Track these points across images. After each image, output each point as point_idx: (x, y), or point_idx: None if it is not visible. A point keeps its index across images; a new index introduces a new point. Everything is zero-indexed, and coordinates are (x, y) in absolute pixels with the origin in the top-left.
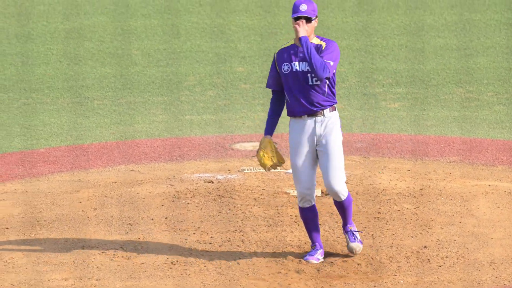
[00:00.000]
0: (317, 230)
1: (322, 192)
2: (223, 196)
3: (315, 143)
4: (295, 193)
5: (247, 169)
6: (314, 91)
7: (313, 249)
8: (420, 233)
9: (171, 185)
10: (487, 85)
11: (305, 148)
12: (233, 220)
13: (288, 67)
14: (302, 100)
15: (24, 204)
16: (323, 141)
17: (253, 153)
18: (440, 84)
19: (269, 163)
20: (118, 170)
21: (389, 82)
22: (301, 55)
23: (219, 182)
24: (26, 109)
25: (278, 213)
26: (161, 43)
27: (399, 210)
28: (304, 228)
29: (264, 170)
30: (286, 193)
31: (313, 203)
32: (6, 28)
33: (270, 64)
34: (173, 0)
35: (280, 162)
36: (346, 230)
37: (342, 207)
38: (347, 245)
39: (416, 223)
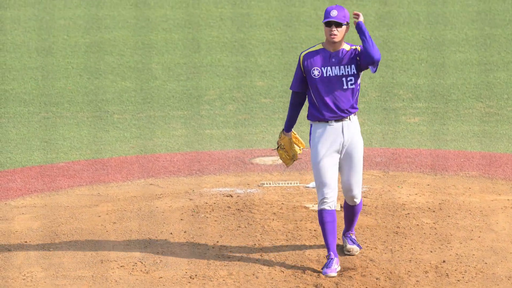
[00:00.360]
0: (334, 237)
1: (341, 207)
2: (242, 210)
3: (341, 146)
4: (315, 207)
5: (267, 183)
6: (347, 96)
7: (329, 259)
8: (439, 247)
9: (190, 199)
10: (507, 100)
11: (331, 152)
12: (252, 235)
13: (319, 72)
14: (332, 105)
15: (43, 218)
16: (348, 145)
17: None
18: (460, 99)
19: (289, 162)
20: (138, 184)
21: (409, 96)
22: (333, 60)
23: (238, 196)
24: (46, 123)
25: (297, 227)
26: (182, 57)
27: (418, 225)
28: (323, 242)
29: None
30: (305, 207)
31: (333, 207)
32: (26, 42)
33: (290, 78)
34: (193, 14)
35: (300, 149)
36: (346, 235)
37: (352, 212)
38: (345, 247)
39: (435, 237)
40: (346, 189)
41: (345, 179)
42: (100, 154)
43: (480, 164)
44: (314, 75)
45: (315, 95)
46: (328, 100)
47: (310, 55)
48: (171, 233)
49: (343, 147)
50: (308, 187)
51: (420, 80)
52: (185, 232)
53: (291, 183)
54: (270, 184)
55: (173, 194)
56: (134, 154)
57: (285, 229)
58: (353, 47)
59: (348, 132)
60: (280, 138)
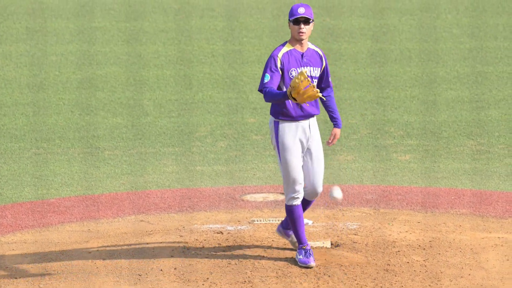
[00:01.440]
0: (303, 227)
1: (331, 244)
2: (232, 247)
3: (306, 143)
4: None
5: (257, 220)
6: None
7: (307, 250)
8: (429, 285)
9: (180, 236)
10: (498, 138)
11: (299, 148)
12: (242, 271)
13: (296, 73)
14: (303, 105)
15: (34, 254)
16: (312, 142)
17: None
18: (451, 136)
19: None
20: (128, 220)
21: (400, 134)
22: (305, 60)
23: (228, 233)
24: (37, 159)
25: (288, 264)
26: (173, 94)
27: (408, 262)
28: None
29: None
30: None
31: (300, 200)
32: (18, 77)
33: None
34: (185, 50)
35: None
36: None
37: (307, 205)
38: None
39: (425, 275)
40: (314, 183)
41: (311, 176)
42: (91, 191)
43: (471, 201)
44: (292, 76)
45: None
46: None
47: (286, 55)
48: (161, 270)
49: (307, 143)
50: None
51: (411, 117)
52: (175, 268)
53: (281, 220)
54: (260, 221)
55: (163, 230)
56: (125, 191)
57: (276, 266)
58: (318, 51)
59: (313, 130)
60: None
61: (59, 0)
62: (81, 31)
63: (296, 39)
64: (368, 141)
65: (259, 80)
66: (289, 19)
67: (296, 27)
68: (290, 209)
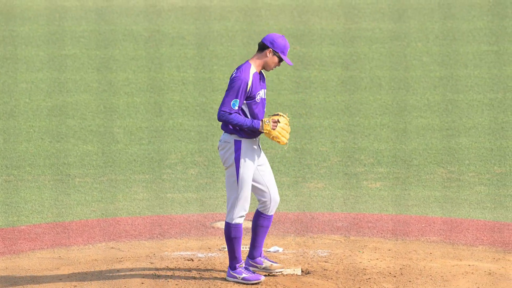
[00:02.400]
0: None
1: (302, 271)
2: (203, 274)
3: (259, 158)
4: (278, 271)
5: None
6: None
7: (247, 268)
8: None
9: (151, 263)
10: (469, 166)
11: (254, 165)
12: None
13: (259, 96)
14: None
15: (4, 281)
16: (262, 158)
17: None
18: (421, 164)
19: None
20: (99, 247)
21: (370, 161)
22: (262, 82)
23: (199, 260)
24: (7, 186)
25: None
26: (144, 121)
27: None
28: None
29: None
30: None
31: None
32: None
33: None
34: (156, 78)
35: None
36: (262, 256)
37: (269, 223)
38: (267, 267)
39: None
40: (274, 193)
41: (272, 184)
42: (61, 217)
43: (442, 229)
44: (258, 99)
45: (251, 115)
46: (261, 119)
47: (254, 77)
48: None
49: (259, 157)
50: (269, 251)
51: (381, 145)
52: None
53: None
54: None
55: (134, 257)
56: (96, 218)
57: None
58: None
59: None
60: (269, 122)
61: (29, 28)
62: (51, 58)
63: (265, 68)
64: (338, 168)
65: None
66: (275, 50)
67: (277, 61)
68: (236, 228)
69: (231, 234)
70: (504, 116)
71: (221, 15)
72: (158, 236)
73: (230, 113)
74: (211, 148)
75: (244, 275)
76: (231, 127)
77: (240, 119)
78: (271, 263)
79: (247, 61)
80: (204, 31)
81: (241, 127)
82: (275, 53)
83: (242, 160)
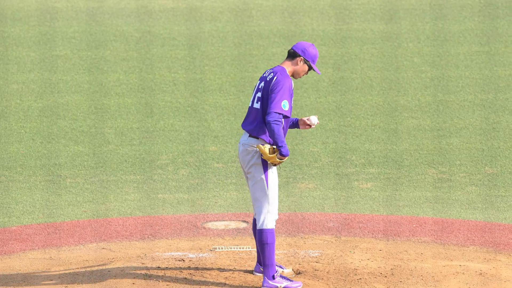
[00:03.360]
0: None
1: (293, 271)
2: (194, 275)
3: None
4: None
5: (219, 248)
6: None
7: (282, 276)
8: None
9: (142, 263)
10: (460, 166)
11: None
12: None
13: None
14: (285, 126)
15: None
16: None
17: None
18: (412, 164)
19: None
20: (90, 248)
21: (361, 162)
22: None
23: (190, 260)
24: None
25: None
26: (135, 122)
27: None
28: None
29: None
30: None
31: None
32: None
33: None
34: (147, 79)
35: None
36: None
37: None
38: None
39: None
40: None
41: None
42: (52, 218)
43: (432, 229)
44: (291, 104)
45: (285, 121)
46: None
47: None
48: None
49: None
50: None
51: (373, 145)
52: None
53: (243, 248)
54: (222, 248)
55: (125, 258)
56: (87, 218)
57: None
58: None
59: None
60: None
61: (20, 29)
62: (42, 59)
63: (293, 76)
64: (329, 169)
65: (220, 108)
66: (306, 59)
67: (307, 70)
68: (272, 233)
69: (267, 240)
70: (495, 117)
71: (212, 16)
72: (149, 236)
73: (280, 123)
74: (202, 148)
75: (285, 283)
76: (260, 130)
77: (282, 134)
78: (282, 269)
79: (279, 66)
80: (195, 32)
81: (274, 140)
82: (305, 61)
83: (269, 164)
